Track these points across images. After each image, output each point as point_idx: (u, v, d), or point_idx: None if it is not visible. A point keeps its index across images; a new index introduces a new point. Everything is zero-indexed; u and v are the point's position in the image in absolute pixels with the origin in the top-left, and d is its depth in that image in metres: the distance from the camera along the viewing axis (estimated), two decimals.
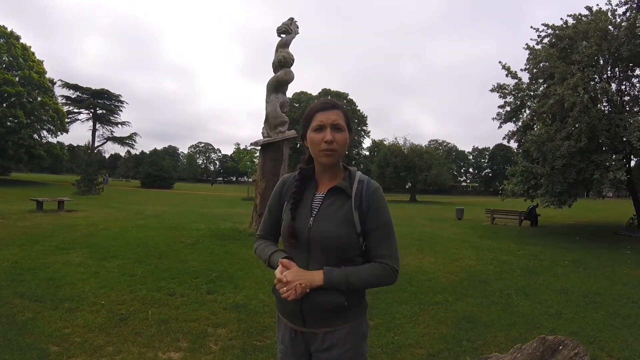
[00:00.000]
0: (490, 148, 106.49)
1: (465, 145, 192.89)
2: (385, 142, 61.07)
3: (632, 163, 16.78)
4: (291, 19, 12.04)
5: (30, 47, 40.85)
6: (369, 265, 1.70)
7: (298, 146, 56.87)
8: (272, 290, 1.83)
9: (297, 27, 12.13)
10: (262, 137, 11.40)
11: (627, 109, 14.54)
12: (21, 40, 39.95)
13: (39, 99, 39.54)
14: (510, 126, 17.26)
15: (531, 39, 16.01)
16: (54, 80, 47.27)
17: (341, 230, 1.66)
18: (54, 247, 8.20)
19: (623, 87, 15.23)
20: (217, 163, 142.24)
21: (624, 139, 13.01)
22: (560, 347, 2.91)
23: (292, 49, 11.93)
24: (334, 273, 1.64)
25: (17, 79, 36.90)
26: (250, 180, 51.62)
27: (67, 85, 55.09)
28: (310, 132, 1.73)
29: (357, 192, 1.72)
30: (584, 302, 6.18)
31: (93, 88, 57.60)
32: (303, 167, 1.85)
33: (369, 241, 1.72)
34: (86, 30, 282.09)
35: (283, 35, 11.88)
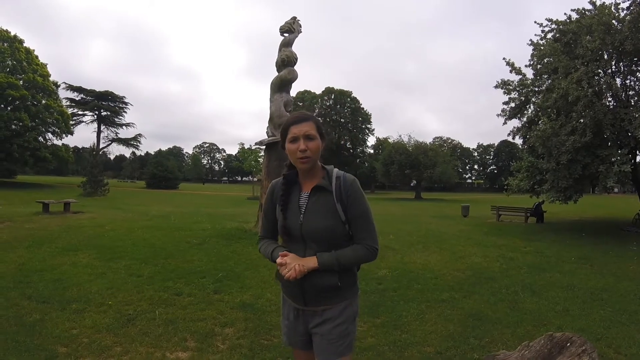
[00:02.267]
0: (495, 145, 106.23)
1: (470, 142, 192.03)
2: (389, 140, 61.04)
3: (638, 158, 16.71)
4: (294, 18, 12.03)
5: (33, 50, 41.13)
6: (353, 246, 1.98)
7: None
8: (275, 276, 2.08)
9: (300, 26, 12.11)
10: (266, 137, 11.40)
11: (632, 103, 14.44)
12: (25, 44, 40.18)
13: (43, 101, 39.79)
14: (515, 122, 17.21)
15: (535, 35, 15.96)
16: (58, 83, 47.49)
17: (328, 221, 1.95)
18: (60, 248, 8.24)
19: (628, 81, 15.14)
20: (222, 163, 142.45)
21: (630, 134, 12.95)
22: (568, 344, 2.90)
23: (295, 47, 11.93)
24: (325, 256, 1.93)
25: (21, 82, 37.19)
26: (255, 179, 51.70)
27: (71, 87, 55.24)
28: (287, 143, 1.97)
29: (336, 187, 1.99)
30: (590, 298, 6.15)
31: (97, 90, 57.74)
32: (286, 173, 2.10)
33: (352, 227, 1.99)
34: (91, 34, 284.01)
35: (286, 35, 11.86)
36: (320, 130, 2.00)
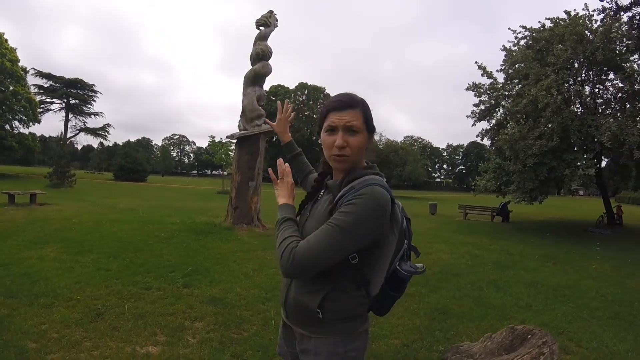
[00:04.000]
0: (465, 145, 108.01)
1: (440, 142, 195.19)
2: None
3: (603, 163, 17.30)
4: (270, 12, 12.01)
5: (3, 34, 39.69)
6: (294, 236, 1.52)
7: (274, 140, 56.68)
8: None
9: (277, 20, 12.09)
10: (238, 131, 11.37)
11: (600, 111, 14.96)
12: None
13: (11, 88, 38.46)
14: (484, 124, 17.64)
15: (508, 41, 16.48)
16: (27, 69, 46.10)
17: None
18: (27, 241, 8.05)
19: (596, 89, 15.66)
20: (192, 156, 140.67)
21: (596, 139, 13.40)
22: (529, 336, 3.04)
23: (271, 42, 11.91)
24: (282, 210, 1.66)
25: None
26: (225, 173, 51.26)
27: (40, 74, 53.66)
28: (323, 132, 1.58)
29: (341, 194, 1.50)
30: (553, 295, 6.39)
31: (66, 77, 56.35)
32: (325, 162, 1.71)
33: None
34: (64, 20, 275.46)
35: (262, 28, 11.83)
36: (368, 122, 1.56)
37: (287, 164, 1.81)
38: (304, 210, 1.73)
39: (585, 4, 15.07)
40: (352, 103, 1.54)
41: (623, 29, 13.49)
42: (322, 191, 1.71)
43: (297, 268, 1.43)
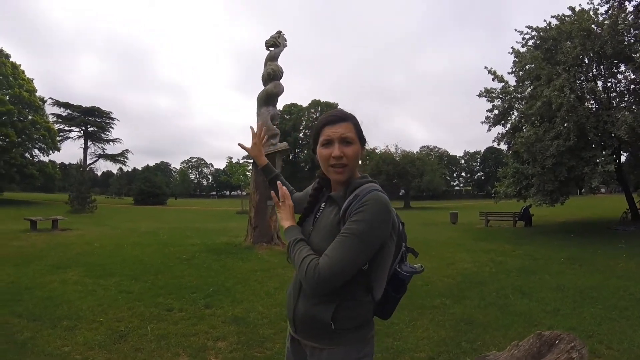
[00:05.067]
0: (482, 151, 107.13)
1: (456, 150, 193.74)
2: (377, 150, 61.37)
3: (623, 158, 16.98)
4: (279, 32, 12.14)
5: (20, 65, 40.78)
6: (312, 254, 1.55)
7: (290, 158, 56.99)
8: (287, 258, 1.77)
9: (285, 40, 12.22)
10: None
11: (614, 104, 14.71)
12: (11, 59, 39.88)
13: (29, 117, 39.51)
14: (499, 129, 17.46)
15: (516, 42, 16.37)
16: (45, 99, 47.17)
17: (326, 243, 1.53)
18: (49, 266, 8.17)
19: (609, 84, 15.43)
20: (210, 177, 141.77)
21: (613, 135, 13.19)
22: (557, 342, 2.94)
23: (281, 61, 12.03)
24: (291, 232, 1.68)
25: (7, 97, 36.79)
26: (244, 193, 51.53)
27: (57, 103, 54.98)
28: (319, 147, 1.66)
29: (347, 204, 1.56)
30: (580, 297, 6.24)
31: (84, 105, 57.47)
32: (322, 176, 1.79)
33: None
34: (81, 50, 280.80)
35: (271, 49, 11.96)
36: (360, 133, 1.68)
37: (284, 187, 1.84)
38: (305, 224, 1.76)
39: None
40: (344, 116, 1.66)
41: (629, 19, 13.33)
42: (323, 204, 1.75)
43: (324, 283, 1.47)
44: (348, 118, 1.67)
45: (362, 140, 1.70)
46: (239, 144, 2.14)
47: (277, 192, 1.82)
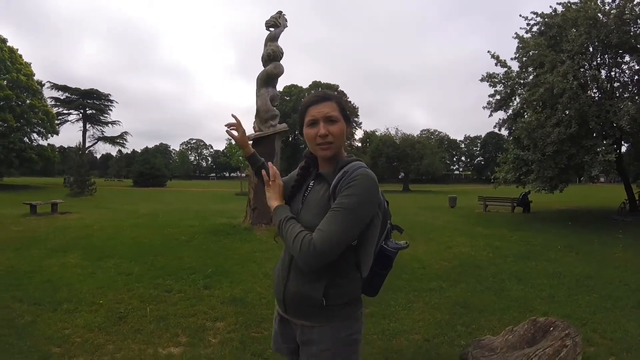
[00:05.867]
0: (482, 136, 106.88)
1: (457, 134, 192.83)
2: (377, 133, 61.18)
3: (623, 149, 16.95)
4: (279, 12, 12.01)
5: (17, 49, 40.47)
6: (304, 230, 1.57)
7: (290, 139, 56.81)
8: (273, 270, 1.91)
9: (286, 21, 12.09)
10: (253, 132, 11.41)
11: (617, 94, 14.64)
12: (8, 43, 39.59)
13: (28, 101, 39.28)
14: (500, 114, 17.37)
15: (520, 28, 16.20)
16: (43, 82, 46.86)
17: (318, 219, 1.57)
18: (49, 249, 8.21)
19: (613, 73, 15.34)
20: (210, 159, 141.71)
21: (614, 124, 13.15)
22: (551, 328, 2.98)
23: (282, 42, 11.93)
24: (281, 211, 1.71)
25: (5, 82, 36.59)
26: (243, 175, 51.50)
27: (55, 86, 54.68)
28: (305, 127, 1.71)
29: (336, 180, 1.61)
30: (576, 285, 6.29)
31: (82, 88, 57.17)
32: (308, 155, 1.84)
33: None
34: (80, 32, 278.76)
35: (272, 29, 11.85)
36: (343, 112, 1.71)
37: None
38: (293, 202, 1.81)
39: None
40: (328, 96, 1.72)
41: (637, 10, 13.20)
42: (312, 182, 1.79)
43: (319, 257, 1.50)
44: (332, 97, 1.72)
45: (347, 118, 1.73)
46: (227, 131, 2.14)
47: (263, 179, 1.87)
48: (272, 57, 11.59)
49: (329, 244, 1.49)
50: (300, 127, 1.77)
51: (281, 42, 11.91)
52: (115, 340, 3.99)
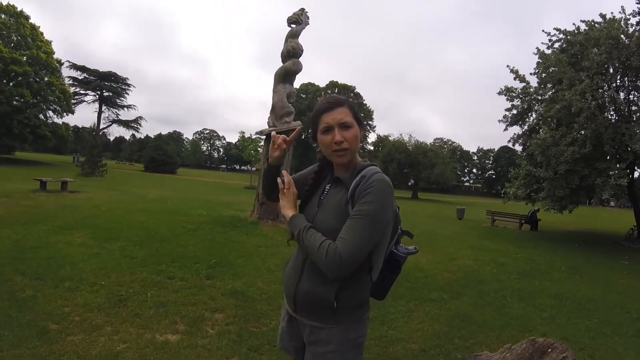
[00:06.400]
0: (495, 150, 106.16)
1: (470, 146, 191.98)
2: (390, 138, 60.99)
3: (636, 174, 16.78)
4: (302, 10, 12.02)
5: (39, 27, 40.85)
6: (326, 240, 1.58)
7: (302, 137, 56.79)
8: (282, 268, 1.95)
9: (308, 18, 12.10)
10: (267, 127, 11.43)
11: (634, 118, 14.49)
12: (31, 20, 39.99)
13: (45, 79, 39.58)
14: (516, 129, 17.26)
15: (542, 43, 16.04)
16: (62, 61, 47.21)
17: (336, 223, 1.62)
18: (56, 227, 8.27)
19: (631, 96, 15.19)
20: (221, 150, 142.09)
21: (629, 148, 13.01)
22: (549, 350, 2.96)
23: (302, 39, 11.93)
24: (299, 220, 1.71)
25: (24, 58, 36.94)
26: (254, 169, 51.59)
27: (74, 66, 54.80)
28: (320, 134, 1.72)
29: (354, 185, 1.63)
30: (577, 308, 6.23)
31: (100, 70, 57.47)
32: (322, 159, 1.86)
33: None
34: (102, 14, 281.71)
35: (293, 26, 11.86)
36: (356, 116, 1.72)
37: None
38: (308, 206, 1.82)
39: (622, 7, 14.54)
40: (340, 102, 1.72)
41: None
42: (328, 185, 1.81)
43: (345, 265, 1.53)
44: (344, 102, 1.73)
45: (360, 122, 1.74)
46: (273, 135, 1.87)
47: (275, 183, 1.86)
48: (292, 53, 11.60)
49: (354, 252, 1.53)
50: (313, 133, 1.77)
51: (301, 39, 11.92)
52: (113, 322, 4.02)
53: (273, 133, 1.83)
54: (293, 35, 11.82)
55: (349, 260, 1.52)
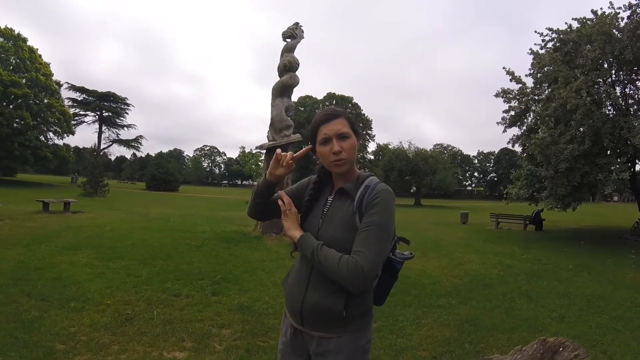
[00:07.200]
0: (496, 152, 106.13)
1: (470, 150, 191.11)
2: (390, 146, 61.03)
3: (637, 167, 16.74)
4: (296, 24, 12.11)
5: (37, 49, 41.21)
6: (343, 255, 1.58)
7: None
8: (282, 283, 1.95)
9: (302, 32, 12.19)
10: (267, 141, 11.45)
11: (632, 111, 14.48)
12: (29, 43, 40.31)
13: (45, 100, 39.95)
14: (515, 130, 17.29)
15: (535, 44, 16.15)
16: (61, 83, 47.55)
17: (344, 234, 1.65)
18: (60, 247, 8.27)
19: (627, 90, 15.22)
20: (222, 166, 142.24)
21: (629, 142, 13.00)
22: (561, 349, 2.92)
23: (298, 53, 12.01)
24: (309, 238, 1.70)
25: (24, 80, 37.22)
26: (255, 183, 51.60)
27: (73, 87, 55.24)
28: (318, 145, 1.74)
29: (360, 195, 1.67)
30: (587, 306, 6.19)
31: (99, 91, 57.80)
32: (322, 170, 1.88)
33: (355, 239, 1.61)
34: (100, 36, 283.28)
35: (288, 40, 11.95)
36: (353, 127, 1.75)
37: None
38: (310, 218, 1.82)
39: (610, 2, 14.59)
40: (337, 113, 1.75)
41: None
42: (331, 197, 1.82)
43: (368, 278, 1.56)
44: (341, 114, 1.76)
45: (357, 132, 1.77)
46: (280, 153, 1.79)
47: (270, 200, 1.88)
48: (288, 67, 11.67)
49: (374, 264, 1.57)
50: (312, 144, 1.81)
51: (297, 53, 11.99)
52: (120, 341, 4.00)
53: (278, 150, 1.82)
54: (288, 50, 11.90)
55: (371, 273, 1.56)
